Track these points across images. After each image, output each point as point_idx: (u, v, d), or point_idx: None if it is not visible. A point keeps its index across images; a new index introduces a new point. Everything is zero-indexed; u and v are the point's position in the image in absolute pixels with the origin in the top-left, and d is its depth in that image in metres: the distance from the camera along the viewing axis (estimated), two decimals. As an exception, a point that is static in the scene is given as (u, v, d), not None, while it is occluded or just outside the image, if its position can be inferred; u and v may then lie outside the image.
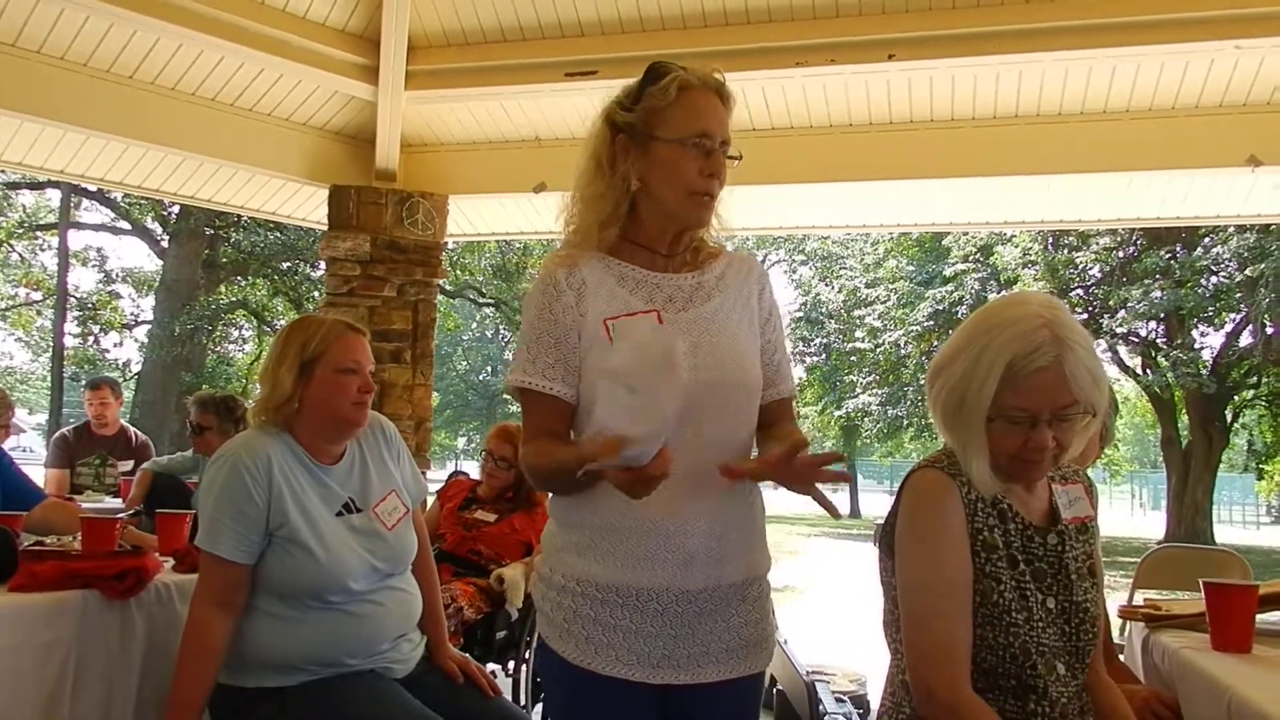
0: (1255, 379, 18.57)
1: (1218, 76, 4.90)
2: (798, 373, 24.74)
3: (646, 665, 1.61)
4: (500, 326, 33.05)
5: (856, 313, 22.05)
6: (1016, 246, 17.33)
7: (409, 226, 6.06)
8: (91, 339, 19.71)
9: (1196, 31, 4.61)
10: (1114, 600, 2.56)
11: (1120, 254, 16.97)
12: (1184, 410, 18.74)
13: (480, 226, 7.18)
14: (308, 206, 6.73)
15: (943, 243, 19.64)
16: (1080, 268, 17.49)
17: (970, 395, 1.55)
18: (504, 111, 5.90)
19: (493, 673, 2.48)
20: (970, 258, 18.38)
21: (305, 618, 2.14)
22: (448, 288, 18.55)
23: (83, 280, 20.72)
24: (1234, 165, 5.05)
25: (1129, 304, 16.51)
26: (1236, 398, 18.96)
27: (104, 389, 5.49)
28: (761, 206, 6.31)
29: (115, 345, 20.24)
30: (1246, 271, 15.16)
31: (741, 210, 6.24)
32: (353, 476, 2.28)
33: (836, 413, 22.15)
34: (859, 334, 21.76)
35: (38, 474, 4.12)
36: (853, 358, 22.25)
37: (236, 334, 20.85)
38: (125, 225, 18.93)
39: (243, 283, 18.59)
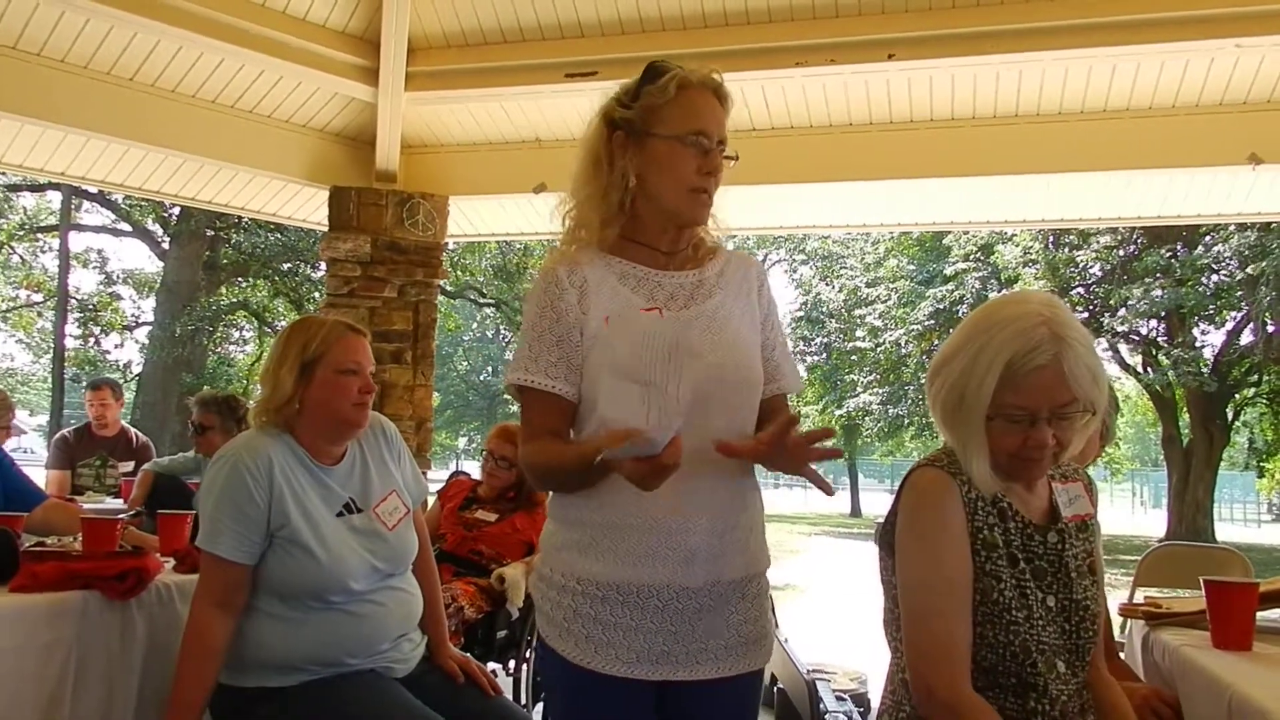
0: (1256, 377, 18.57)
1: (1218, 75, 4.90)
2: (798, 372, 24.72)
3: (646, 662, 1.62)
4: (501, 327, 33.06)
5: (857, 312, 22.06)
6: (1017, 245, 17.33)
7: (409, 227, 6.06)
8: (92, 340, 19.72)
9: (1197, 30, 4.61)
10: (1115, 598, 2.57)
11: (1121, 252, 16.98)
12: (1185, 408, 18.74)
13: (480, 227, 7.19)
14: (308, 208, 6.74)
15: (943, 242, 19.65)
16: (1081, 266, 17.50)
17: (970, 393, 1.55)
18: (504, 112, 5.90)
19: (493, 672, 2.48)
20: (971, 257, 18.39)
21: (306, 618, 2.14)
22: (448, 288, 18.55)
23: (84, 282, 20.76)
24: (1235, 163, 5.05)
25: (1130, 302, 16.51)
26: (1237, 396, 18.97)
27: (104, 390, 5.49)
28: (762, 206, 6.31)
29: (116, 347, 20.25)
30: (1247, 270, 15.16)
31: (742, 210, 6.25)
32: (353, 477, 2.28)
33: (837, 412, 22.15)
34: (860, 333, 21.77)
35: (39, 475, 4.12)
36: (853, 357, 22.26)
37: (237, 335, 20.86)
38: (126, 227, 18.95)
39: (243, 284, 18.60)
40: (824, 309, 24.11)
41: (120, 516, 2.72)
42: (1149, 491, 36.96)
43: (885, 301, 20.88)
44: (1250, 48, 4.64)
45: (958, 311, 17.79)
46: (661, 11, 5.20)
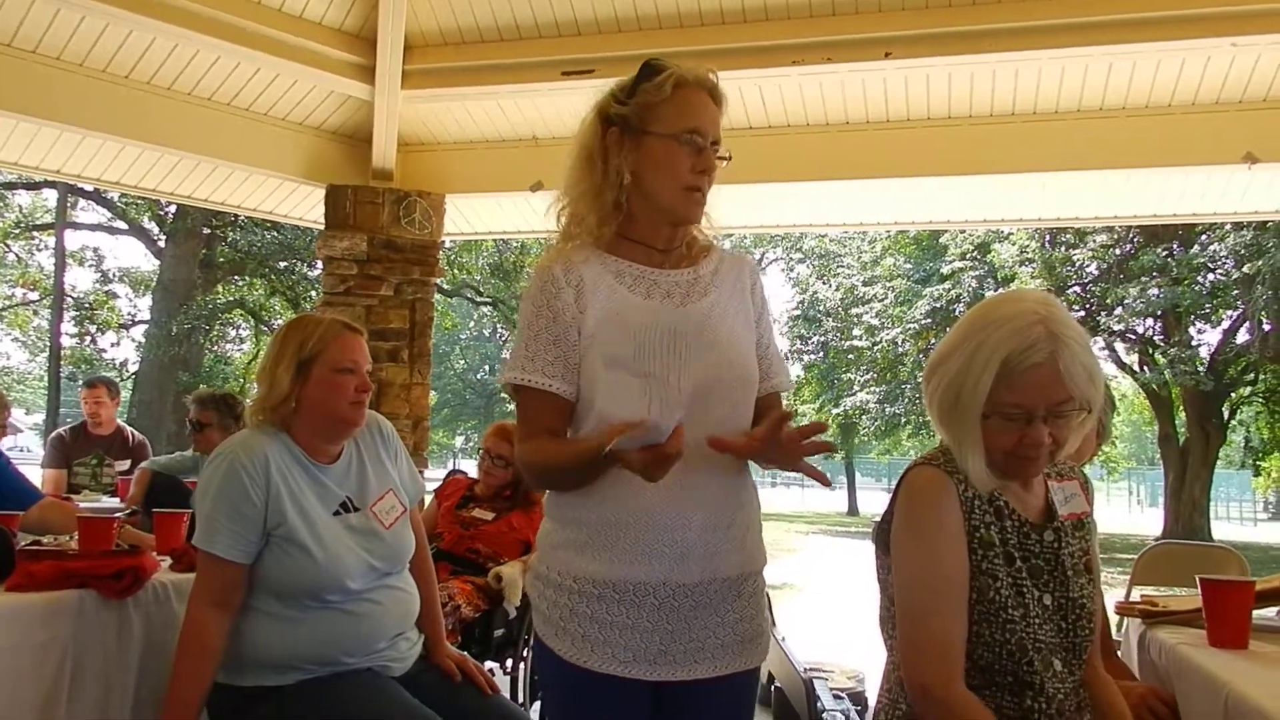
0: (1252, 376, 18.60)
1: (1214, 73, 4.91)
2: (796, 370, 24.78)
3: (643, 661, 1.62)
4: (498, 325, 33.05)
5: (854, 311, 22.07)
6: (1014, 244, 17.35)
7: (406, 226, 6.06)
8: (88, 339, 19.72)
9: (1193, 28, 4.62)
10: (1112, 597, 2.57)
11: (1117, 251, 16.99)
12: (1181, 407, 18.77)
13: (477, 225, 7.19)
14: (304, 206, 6.73)
15: (940, 241, 19.67)
16: (1077, 265, 17.51)
17: (966, 392, 1.55)
18: (501, 110, 5.90)
19: (491, 671, 2.48)
20: (967, 255, 18.40)
21: (303, 617, 2.14)
22: (445, 287, 18.54)
23: (79, 280, 20.73)
24: (1230, 162, 5.06)
25: (1126, 301, 16.53)
26: (1234, 394, 19.00)
27: (99, 388, 5.48)
28: (759, 205, 6.32)
29: (112, 345, 20.28)
30: (1243, 269, 15.17)
31: (739, 208, 6.26)
32: (350, 476, 2.28)
33: (834, 410, 22.16)
34: (856, 332, 21.77)
35: (35, 474, 4.12)
36: (850, 356, 22.27)
37: (234, 333, 20.85)
38: (122, 225, 18.94)
39: (240, 282, 18.59)
40: (821, 308, 24.13)
41: (116, 515, 2.71)
42: (1145, 490, 37.01)
43: (882, 300, 20.90)
44: (1246, 46, 4.65)
45: (954, 310, 17.81)
46: (658, 10, 5.20)
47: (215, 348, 19.87)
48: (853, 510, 27.98)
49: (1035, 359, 1.50)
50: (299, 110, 5.83)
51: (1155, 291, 16.14)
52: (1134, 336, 18.25)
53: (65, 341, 18.43)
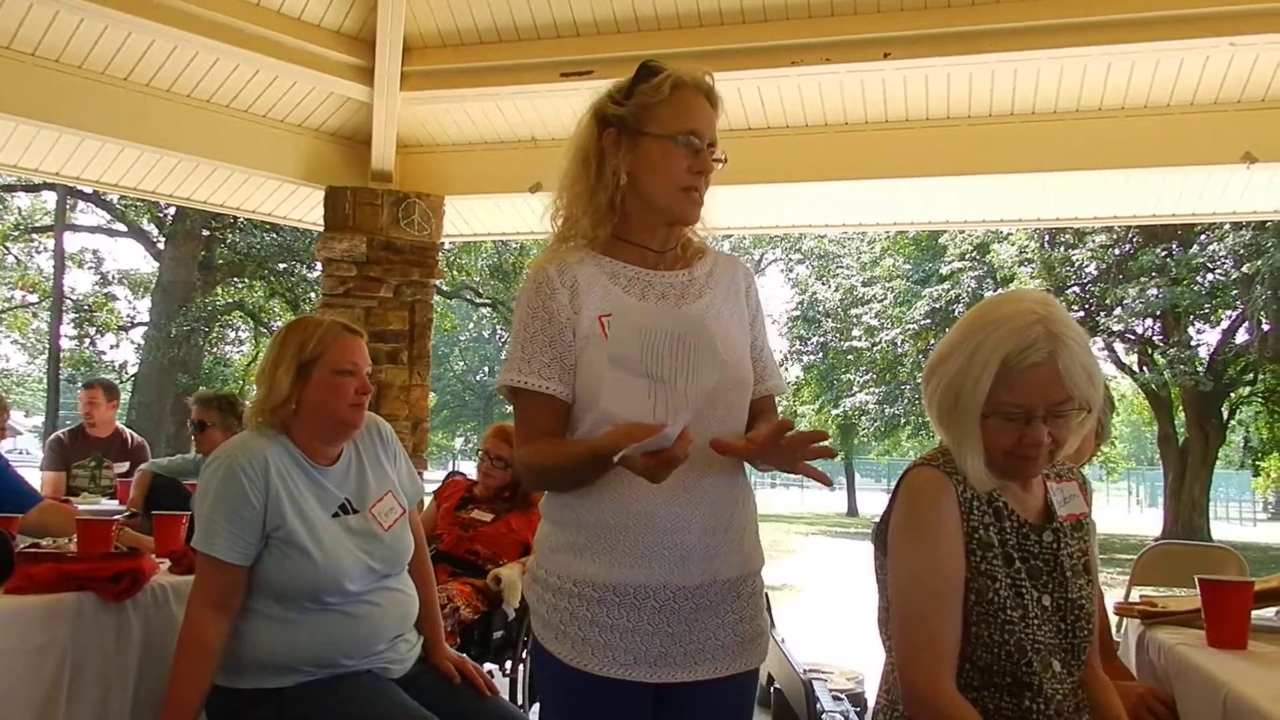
0: (1251, 376, 18.61)
1: (1212, 73, 4.91)
2: (795, 371, 24.80)
3: (644, 664, 1.62)
4: (497, 327, 33.06)
5: (853, 311, 22.08)
6: (1013, 244, 17.35)
7: (405, 227, 6.06)
8: (88, 341, 19.72)
9: (1191, 28, 4.62)
10: (1111, 597, 2.57)
11: (1116, 251, 16.99)
12: (1181, 407, 18.77)
13: (476, 227, 7.19)
14: (304, 208, 6.73)
15: (939, 241, 19.68)
16: (1076, 265, 17.51)
17: (965, 392, 1.55)
18: (499, 112, 5.90)
19: (490, 672, 2.48)
20: (966, 256, 18.41)
21: (302, 619, 2.14)
22: (444, 288, 18.56)
23: (79, 282, 20.73)
24: (1229, 162, 5.06)
25: (1125, 301, 16.54)
26: (1233, 394, 19.01)
27: (95, 389, 5.48)
28: (758, 205, 6.32)
29: (111, 347, 20.28)
30: (1242, 269, 15.18)
31: (738, 209, 6.26)
32: (349, 478, 2.28)
33: (834, 411, 22.18)
34: (856, 332, 21.78)
35: (34, 476, 4.11)
36: (849, 356, 22.27)
37: (233, 335, 20.84)
38: (121, 227, 18.94)
39: (239, 284, 18.58)
40: (820, 308, 24.13)
41: (115, 518, 2.71)
42: (1145, 490, 37.02)
43: (881, 301, 20.90)
44: (1244, 46, 4.65)
45: (953, 311, 17.81)
46: (657, 11, 5.20)
47: (214, 349, 19.87)
48: (852, 511, 27.99)
49: (1034, 359, 1.50)
50: (298, 112, 5.83)
51: (1154, 291, 16.14)
52: (1133, 337, 18.25)
53: (64, 344, 18.44)
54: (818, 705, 2.12)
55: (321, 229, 6.16)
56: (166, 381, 16.08)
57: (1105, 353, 18.16)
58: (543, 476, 1.69)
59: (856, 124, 5.56)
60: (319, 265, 7.04)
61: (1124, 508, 34.37)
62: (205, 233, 16.65)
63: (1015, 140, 5.33)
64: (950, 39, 4.88)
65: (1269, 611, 2.26)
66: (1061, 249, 17.19)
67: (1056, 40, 4.77)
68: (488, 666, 3.38)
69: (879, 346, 20.45)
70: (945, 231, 18.10)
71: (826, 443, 1.53)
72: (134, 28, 4.87)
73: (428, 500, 3.93)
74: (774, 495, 36.32)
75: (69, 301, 18.85)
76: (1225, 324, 17.91)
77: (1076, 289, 17.95)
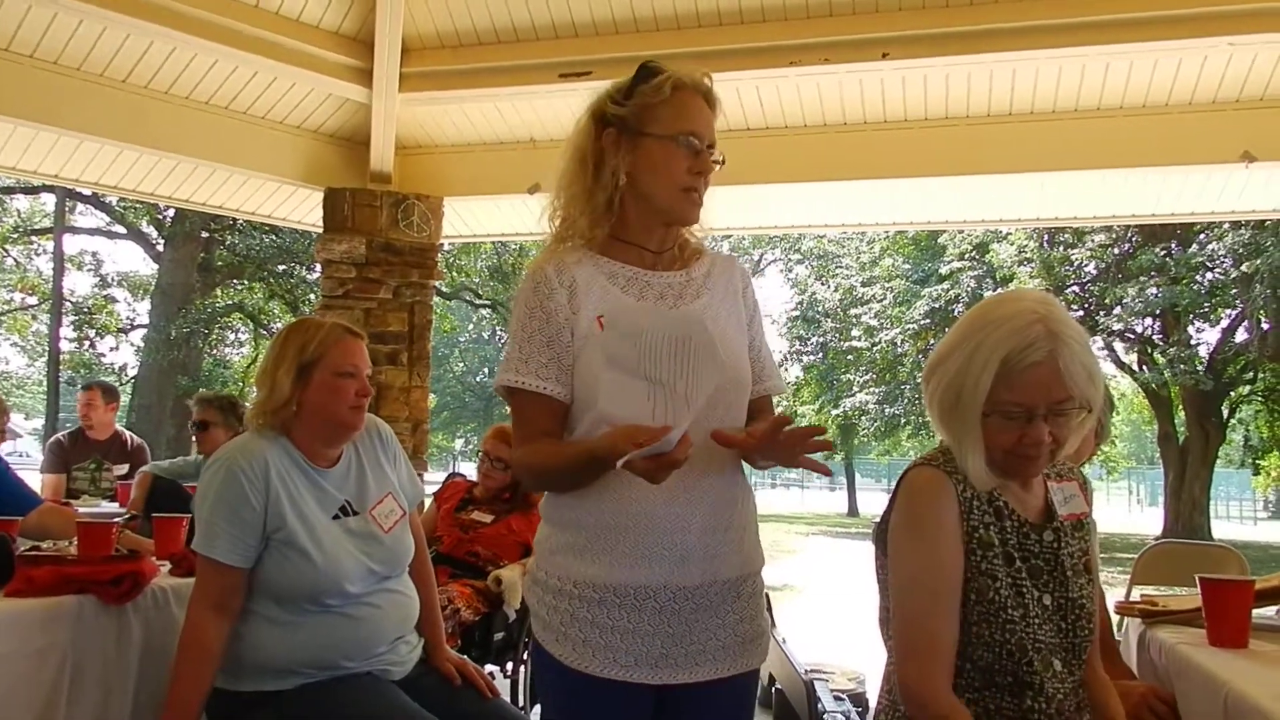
0: (1251, 374, 18.62)
1: (1211, 73, 4.91)
2: (794, 371, 24.80)
3: (645, 665, 1.62)
4: (497, 328, 33.06)
5: (853, 311, 22.09)
6: (1012, 244, 17.36)
7: (404, 228, 6.06)
8: (87, 343, 19.71)
9: (1189, 28, 4.62)
10: (1112, 596, 2.57)
11: (1115, 251, 17.00)
12: (1181, 406, 18.78)
13: (476, 228, 7.19)
14: (303, 209, 6.73)
15: (938, 241, 19.68)
16: (1076, 265, 17.52)
17: (966, 391, 1.55)
18: (498, 113, 5.90)
19: (490, 674, 2.48)
20: (966, 256, 18.42)
21: (302, 621, 2.14)
22: (444, 289, 18.56)
23: (78, 284, 20.75)
24: (1228, 161, 5.06)
25: (1125, 301, 16.54)
26: (1233, 393, 19.02)
27: (93, 392, 5.49)
28: (757, 206, 6.32)
29: (111, 349, 20.27)
30: (1242, 267, 15.18)
31: (737, 209, 6.24)
32: (349, 479, 2.28)
33: (834, 411, 22.18)
34: (855, 333, 21.79)
35: (34, 479, 4.11)
36: (849, 356, 22.28)
37: (233, 337, 20.85)
38: (120, 229, 18.93)
39: (239, 286, 18.59)
40: (820, 308, 24.14)
41: (115, 520, 2.70)
42: (1145, 489, 37.04)
43: (881, 301, 20.91)
44: (1243, 45, 4.66)
45: (953, 310, 17.82)
46: (655, 11, 5.20)
47: (214, 351, 19.87)
48: (852, 511, 27.99)
49: (1035, 357, 1.51)
50: (297, 113, 5.83)
51: (1154, 291, 16.15)
52: (1133, 336, 18.26)
53: (64, 346, 18.44)
54: (819, 705, 2.12)
55: (320, 230, 6.16)
56: (166, 384, 16.07)
57: (1105, 352, 18.16)
58: (540, 477, 1.69)
59: (855, 124, 5.55)
60: (318, 267, 7.04)
61: (1124, 507, 34.38)
62: (204, 235, 16.64)
63: (1014, 140, 5.33)
64: (949, 39, 4.88)
65: (1270, 610, 2.26)
66: (1061, 248, 17.20)
67: (1055, 40, 4.77)
68: (489, 668, 3.38)
69: (879, 346, 20.45)
70: (944, 231, 18.10)
71: (824, 437, 1.53)
72: (132, 29, 4.87)
73: (428, 502, 3.93)
74: (774, 495, 36.32)
75: (68, 304, 18.85)
76: (1225, 323, 17.92)
77: (1076, 288, 17.96)
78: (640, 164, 1.67)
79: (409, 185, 6.14)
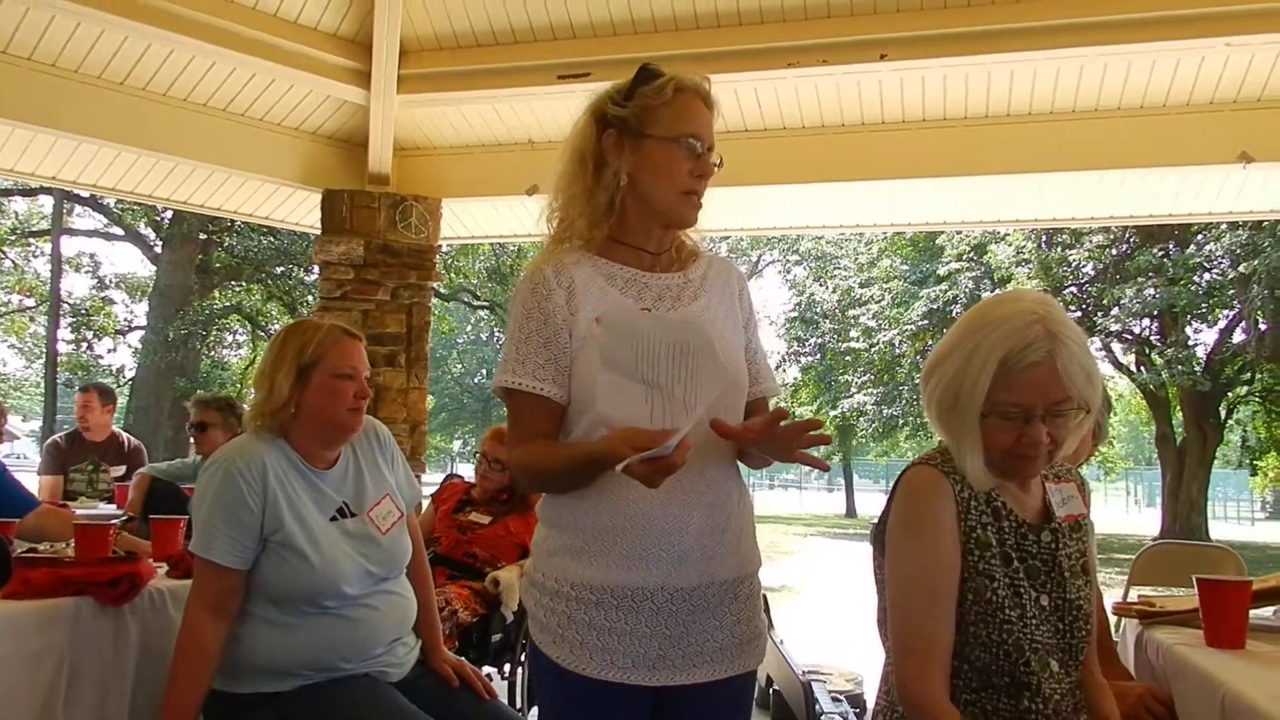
0: (1249, 375, 18.63)
1: (1208, 74, 4.92)
2: (793, 373, 24.81)
3: (643, 667, 1.61)
4: (495, 329, 33.04)
5: (851, 312, 22.09)
6: (1010, 245, 17.37)
7: (402, 230, 6.05)
8: (85, 345, 19.68)
9: (1187, 29, 4.62)
10: (1109, 597, 2.57)
11: (1113, 252, 17.02)
12: (1178, 407, 18.79)
13: (474, 229, 7.18)
14: (301, 211, 6.73)
15: (936, 242, 19.68)
16: (1073, 266, 17.54)
17: (964, 391, 1.55)
18: (496, 114, 5.90)
19: (488, 676, 2.48)
20: (964, 257, 18.43)
21: (300, 623, 2.14)
22: (442, 291, 18.54)
23: (76, 286, 20.78)
24: (1226, 162, 5.06)
25: (1122, 302, 16.56)
26: (1230, 394, 19.04)
27: (90, 394, 5.49)
28: (755, 207, 6.32)
29: (109, 351, 20.22)
30: (1239, 268, 15.20)
31: (735, 211, 6.23)
32: (347, 481, 2.28)
33: (832, 412, 22.17)
34: (853, 334, 21.79)
35: (31, 481, 4.11)
36: (847, 357, 22.29)
37: (231, 339, 20.83)
38: (118, 231, 18.91)
39: (237, 287, 18.57)
40: (818, 309, 24.14)
41: (113, 522, 2.70)
42: (1143, 490, 37.06)
43: (879, 302, 20.91)
44: (1240, 46, 4.66)
45: (951, 311, 17.83)
46: (653, 13, 5.20)
47: (212, 353, 19.85)
48: (850, 512, 27.99)
49: (1033, 358, 1.51)
50: (295, 115, 5.83)
51: (1151, 291, 16.16)
52: (1130, 337, 18.27)
53: (62, 348, 18.41)
54: (816, 706, 2.13)
55: (318, 232, 6.15)
56: (164, 385, 16.06)
57: (1103, 353, 18.17)
58: (537, 478, 1.69)
59: (853, 125, 5.55)
60: (316, 268, 7.04)
61: (1122, 507, 34.40)
62: (202, 236, 16.63)
63: (1012, 141, 5.34)
64: (946, 40, 4.88)
65: (1267, 611, 2.26)
66: (1059, 249, 17.21)
67: (1053, 41, 4.77)
68: (486, 670, 3.38)
69: (877, 347, 20.46)
70: (942, 232, 18.10)
71: (821, 431, 1.53)
72: (130, 32, 4.86)
73: (425, 503, 3.93)
74: (772, 497, 36.32)
75: (66, 305, 18.82)
76: (1222, 324, 17.93)
77: (1074, 289, 17.97)
78: (641, 166, 1.67)
79: (407, 187, 6.14)
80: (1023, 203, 6.28)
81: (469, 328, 35.58)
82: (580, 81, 5.23)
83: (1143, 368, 18.42)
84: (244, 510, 2.10)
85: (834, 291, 23.33)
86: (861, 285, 22.14)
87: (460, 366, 36.87)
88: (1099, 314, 17.25)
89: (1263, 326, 16.07)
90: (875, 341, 20.50)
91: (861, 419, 21.66)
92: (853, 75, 5.17)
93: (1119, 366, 19.25)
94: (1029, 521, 1.64)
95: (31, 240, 20.52)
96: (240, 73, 5.39)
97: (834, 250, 24.27)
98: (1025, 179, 5.67)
